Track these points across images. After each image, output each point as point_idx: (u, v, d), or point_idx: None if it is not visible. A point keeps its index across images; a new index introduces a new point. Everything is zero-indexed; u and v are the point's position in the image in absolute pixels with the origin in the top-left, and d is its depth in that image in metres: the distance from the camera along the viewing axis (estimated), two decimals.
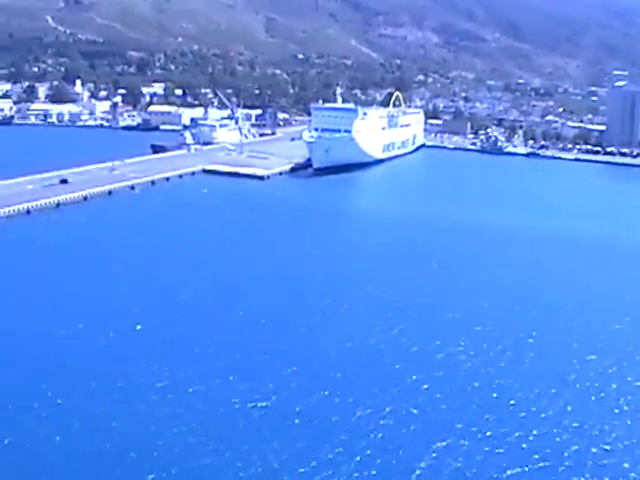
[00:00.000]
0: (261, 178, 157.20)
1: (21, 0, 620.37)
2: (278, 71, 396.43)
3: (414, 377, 61.58)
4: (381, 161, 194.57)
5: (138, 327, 71.11)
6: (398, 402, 56.94)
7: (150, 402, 55.58)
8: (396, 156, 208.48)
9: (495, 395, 59.50)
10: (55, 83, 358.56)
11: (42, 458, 48.07)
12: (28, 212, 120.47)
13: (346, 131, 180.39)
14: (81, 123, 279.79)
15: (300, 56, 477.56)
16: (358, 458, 48.85)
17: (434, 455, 49.75)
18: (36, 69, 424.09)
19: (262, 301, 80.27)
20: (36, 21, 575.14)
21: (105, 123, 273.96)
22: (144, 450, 49.20)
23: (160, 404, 55.25)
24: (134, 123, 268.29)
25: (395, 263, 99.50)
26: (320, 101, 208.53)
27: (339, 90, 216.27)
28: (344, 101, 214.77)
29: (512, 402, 58.27)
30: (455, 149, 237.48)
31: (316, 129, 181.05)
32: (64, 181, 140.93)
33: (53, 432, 50.99)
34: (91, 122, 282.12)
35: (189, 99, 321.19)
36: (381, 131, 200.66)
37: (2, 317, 71.75)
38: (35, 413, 53.21)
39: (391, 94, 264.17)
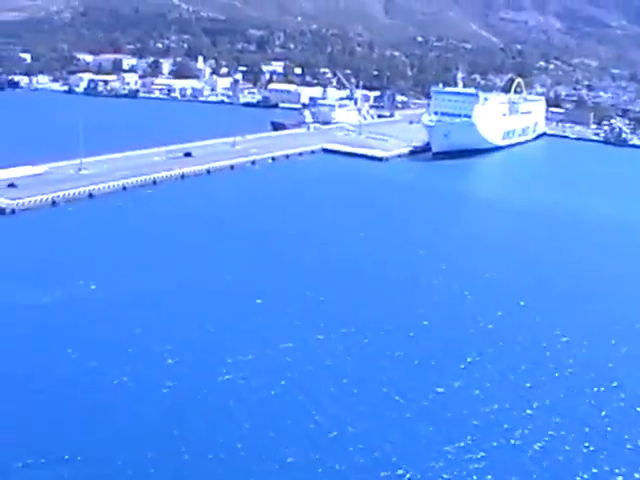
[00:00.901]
0: (380, 159, 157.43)
1: None
2: (397, 53, 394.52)
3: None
4: (501, 148, 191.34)
5: (258, 301, 72.88)
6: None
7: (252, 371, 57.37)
8: (516, 143, 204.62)
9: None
10: (178, 59, 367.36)
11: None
12: (154, 182, 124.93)
13: (466, 116, 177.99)
14: (203, 98, 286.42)
15: (419, 38, 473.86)
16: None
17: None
18: (160, 45, 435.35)
19: (374, 277, 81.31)
20: None
21: (226, 99, 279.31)
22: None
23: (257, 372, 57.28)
24: (254, 100, 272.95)
25: (511, 250, 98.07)
26: (440, 85, 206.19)
27: (460, 74, 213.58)
28: (464, 85, 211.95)
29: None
30: (577, 139, 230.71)
31: (436, 113, 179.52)
32: (188, 154, 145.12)
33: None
34: (212, 98, 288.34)
35: (308, 78, 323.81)
36: (501, 117, 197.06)
37: (120, 280, 75.68)
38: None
39: (512, 80, 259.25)
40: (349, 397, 54.88)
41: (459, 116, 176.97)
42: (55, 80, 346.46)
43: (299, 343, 63.24)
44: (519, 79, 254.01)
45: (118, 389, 54.44)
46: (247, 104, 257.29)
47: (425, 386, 56.89)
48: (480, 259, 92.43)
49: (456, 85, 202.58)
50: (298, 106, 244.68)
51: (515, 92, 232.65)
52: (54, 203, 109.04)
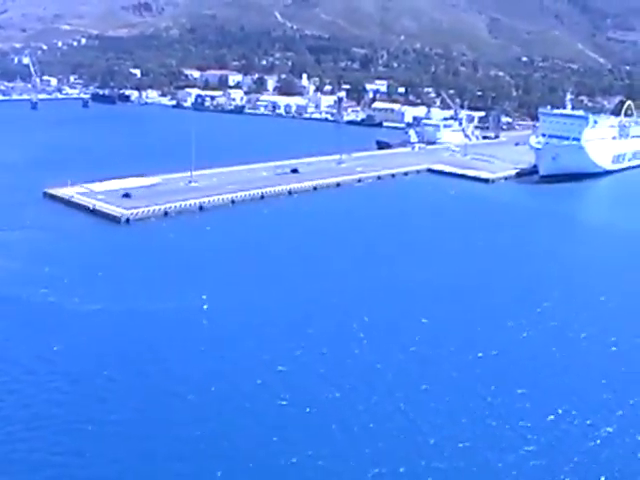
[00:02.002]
0: (486, 181, 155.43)
1: None
2: (501, 73, 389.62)
3: None
4: (610, 172, 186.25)
5: (366, 319, 72.84)
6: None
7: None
8: (627, 168, 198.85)
9: None
10: (283, 76, 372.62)
11: None
12: (262, 197, 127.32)
13: (575, 139, 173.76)
14: (307, 115, 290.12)
15: (524, 58, 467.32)
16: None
17: None
18: (265, 62, 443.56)
19: (482, 300, 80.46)
20: (265, 16, 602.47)
21: (330, 117, 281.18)
22: None
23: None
24: (358, 118, 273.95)
25: (621, 280, 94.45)
26: (548, 106, 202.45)
27: (569, 96, 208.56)
28: (573, 108, 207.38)
29: None
30: None
31: (544, 135, 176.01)
32: (295, 170, 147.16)
33: None
34: (316, 115, 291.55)
35: (411, 97, 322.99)
36: (611, 141, 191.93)
37: (228, 291, 78.01)
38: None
39: (622, 102, 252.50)
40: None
41: (568, 139, 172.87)
42: (163, 95, 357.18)
43: (407, 371, 62.88)
44: (629, 102, 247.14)
45: (219, 400, 55.72)
46: (351, 122, 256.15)
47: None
48: (594, 282, 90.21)
49: (564, 107, 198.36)
50: (402, 125, 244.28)
51: (625, 115, 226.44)
52: (166, 214, 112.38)
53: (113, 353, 63.03)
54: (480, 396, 57.90)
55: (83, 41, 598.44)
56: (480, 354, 65.51)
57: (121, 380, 58.16)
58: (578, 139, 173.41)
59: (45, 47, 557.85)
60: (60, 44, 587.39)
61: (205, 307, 73.91)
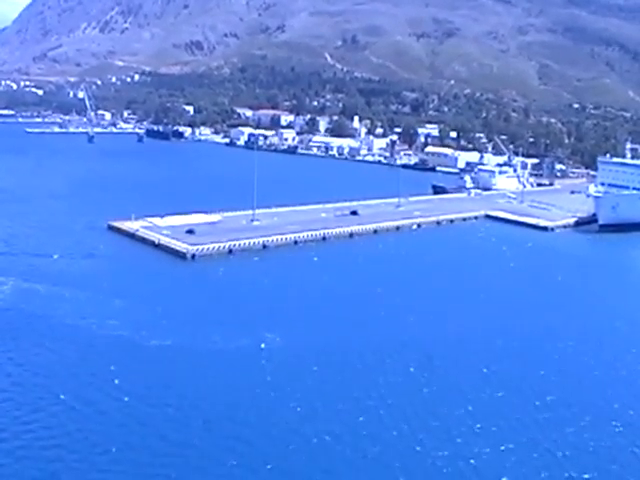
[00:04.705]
0: (545, 229, 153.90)
1: (302, 37, 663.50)
2: (553, 120, 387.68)
3: None
4: None
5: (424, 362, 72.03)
6: None
7: None
8: None
9: None
10: (334, 118, 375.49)
11: None
12: (324, 238, 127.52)
13: (635, 188, 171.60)
14: (359, 158, 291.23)
15: (575, 105, 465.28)
16: None
17: None
18: (315, 103, 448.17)
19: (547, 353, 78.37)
20: (315, 57, 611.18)
21: (383, 160, 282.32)
22: None
23: None
24: (411, 162, 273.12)
25: None
26: (607, 155, 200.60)
27: (628, 145, 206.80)
28: (632, 157, 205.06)
29: None
30: None
31: (603, 184, 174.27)
32: (354, 212, 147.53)
33: None
34: (369, 158, 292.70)
35: (463, 142, 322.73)
36: None
37: (296, 332, 77.38)
38: None
39: None
40: None
41: (628, 188, 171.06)
42: (216, 132, 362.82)
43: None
44: None
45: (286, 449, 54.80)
46: (404, 165, 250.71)
47: None
48: None
49: (620, 155, 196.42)
50: (455, 170, 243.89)
51: None
52: (231, 251, 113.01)
53: (175, 392, 62.46)
54: None
55: (136, 77, 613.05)
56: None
57: (182, 418, 57.81)
58: (639, 189, 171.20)
59: (99, 82, 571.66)
60: (114, 79, 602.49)
61: (262, 346, 73.20)
